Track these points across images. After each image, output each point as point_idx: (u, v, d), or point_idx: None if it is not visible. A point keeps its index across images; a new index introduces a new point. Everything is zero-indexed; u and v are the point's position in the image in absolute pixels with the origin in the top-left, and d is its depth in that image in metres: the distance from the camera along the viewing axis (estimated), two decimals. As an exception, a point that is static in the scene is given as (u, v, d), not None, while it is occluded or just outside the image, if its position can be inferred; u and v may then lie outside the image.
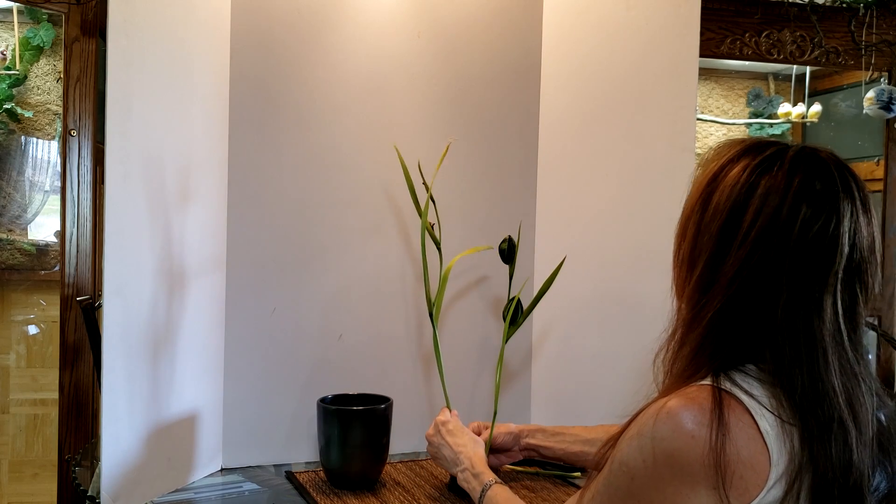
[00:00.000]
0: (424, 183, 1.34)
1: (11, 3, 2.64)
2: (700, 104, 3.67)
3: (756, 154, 0.77)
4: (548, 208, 1.62)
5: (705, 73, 3.66)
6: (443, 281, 1.33)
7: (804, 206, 0.73)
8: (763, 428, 0.71)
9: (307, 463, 1.44)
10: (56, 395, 2.37)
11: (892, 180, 2.89)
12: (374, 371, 1.50)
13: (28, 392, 2.75)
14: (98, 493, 1.15)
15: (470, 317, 1.57)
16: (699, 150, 1.84)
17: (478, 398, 1.58)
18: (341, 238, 1.47)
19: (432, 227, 1.34)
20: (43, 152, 2.83)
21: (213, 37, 1.35)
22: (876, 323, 2.80)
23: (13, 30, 2.74)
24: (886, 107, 2.73)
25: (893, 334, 2.79)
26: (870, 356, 2.80)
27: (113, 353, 1.15)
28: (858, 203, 0.74)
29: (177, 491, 1.28)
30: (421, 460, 1.46)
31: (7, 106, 2.71)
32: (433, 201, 1.34)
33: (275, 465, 1.42)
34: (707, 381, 0.75)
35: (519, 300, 1.33)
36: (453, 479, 1.24)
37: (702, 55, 1.56)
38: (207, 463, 1.37)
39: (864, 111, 2.81)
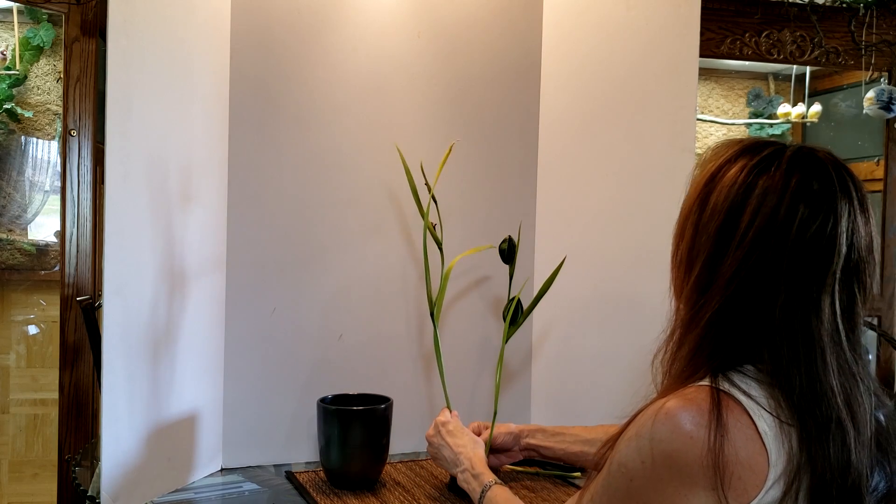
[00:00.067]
0: (427, 183, 1.34)
1: (11, 3, 2.64)
2: (700, 104, 3.67)
3: (754, 154, 0.77)
4: (548, 208, 1.62)
5: (705, 73, 3.66)
6: (444, 281, 1.33)
7: (802, 206, 0.73)
8: (761, 428, 0.71)
9: (307, 463, 1.44)
10: (56, 395, 2.37)
11: (891, 180, 2.89)
12: (374, 371, 1.50)
13: (28, 392, 2.76)
14: (98, 493, 1.15)
15: (470, 317, 1.57)
16: (699, 150, 1.83)
17: (478, 398, 1.58)
18: (341, 238, 1.47)
19: (434, 228, 1.34)
20: (43, 152, 2.83)
21: (213, 37, 1.35)
22: (875, 323, 2.80)
23: (13, 30, 2.74)
24: (886, 107, 2.73)
25: (893, 334, 2.79)
26: (869, 356, 2.80)
27: (113, 353, 1.15)
28: (856, 203, 0.74)
29: (177, 491, 1.28)
30: (421, 460, 1.47)
31: (7, 106, 2.71)
32: (435, 202, 1.34)
33: (275, 465, 1.42)
34: (705, 382, 0.75)
35: (519, 300, 1.33)
36: (453, 479, 1.24)
37: (702, 55, 1.57)
38: (207, 463, 1.37)
39: (864, 111, 2.81)
